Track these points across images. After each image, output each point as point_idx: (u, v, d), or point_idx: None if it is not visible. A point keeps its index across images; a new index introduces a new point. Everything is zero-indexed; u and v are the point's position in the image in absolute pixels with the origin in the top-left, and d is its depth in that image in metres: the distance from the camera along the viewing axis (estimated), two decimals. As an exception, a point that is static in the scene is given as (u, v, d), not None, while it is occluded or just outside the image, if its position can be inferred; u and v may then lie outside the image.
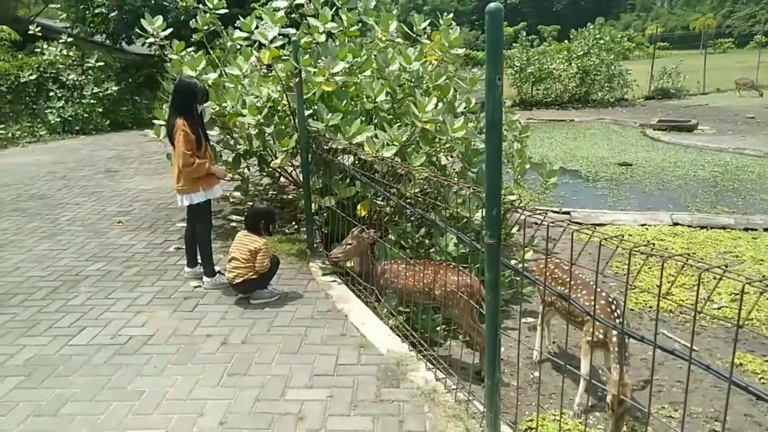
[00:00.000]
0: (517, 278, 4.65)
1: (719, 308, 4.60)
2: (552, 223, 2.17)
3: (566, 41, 22.83)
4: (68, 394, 3.01)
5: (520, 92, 21.11)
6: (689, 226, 6.58)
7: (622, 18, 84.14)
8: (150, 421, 2.79)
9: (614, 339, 2.93)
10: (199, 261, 4.67)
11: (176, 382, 3.12)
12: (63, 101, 14.31)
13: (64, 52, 14.89)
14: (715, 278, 5.03)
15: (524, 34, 22.88)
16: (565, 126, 16.15)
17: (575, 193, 8.65)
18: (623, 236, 2.24)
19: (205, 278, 4.54)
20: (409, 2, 69.75)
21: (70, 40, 15.15)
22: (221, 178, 4.68)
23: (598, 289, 3.36)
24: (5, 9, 18.43)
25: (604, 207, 7.79)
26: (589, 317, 2.99)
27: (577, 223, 6.84)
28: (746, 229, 6.41)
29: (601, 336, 3.07)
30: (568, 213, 7.14)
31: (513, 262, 4.76)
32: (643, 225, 6.71)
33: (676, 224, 6.68)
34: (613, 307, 3.16)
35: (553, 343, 4.15)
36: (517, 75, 20.83)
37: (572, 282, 3.44)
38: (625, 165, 10.41)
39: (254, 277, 4.17)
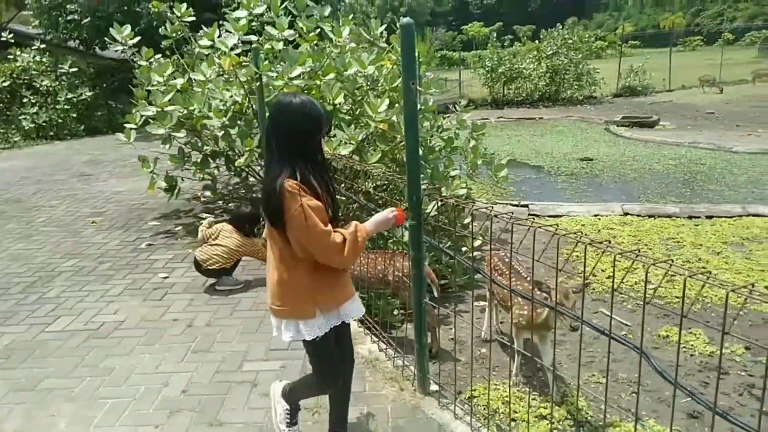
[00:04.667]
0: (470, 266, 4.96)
1: (655, 288, 4.99)
2: (497, 215, 2.45)
3: (537, 41, 23.39)
4: (45, 373, 3.30)
5: (492, 92, 21.58)
6: (638, 216, 6.98)
7: (595, 17, 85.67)
8: (120, 392, 3.10)
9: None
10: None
11: (144, 360, 3.42)
12: (37, 107, 14.44)
13: (38, 58, 15.00)
14: (637, 264, 5.44)
15: (495, 35, 23.44)
16: (534, 124, 16.62)
17: (537, 188, 9.05)
18: (557, 226, 2.50)
19: None
20: (386, 3, 70.19)
21: (43, 46, 15.25)
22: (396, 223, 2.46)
23: (529, 277, 3.72)
24: (-24, 16, 18.41)
25: (561, 200, 8.18)
26: (515, 303, 3.32)
27: (534, 215, 7.23)
28: (690, 217, 6.83)
29: (524, 318, 3.38)
30: (526, 206, 7.53)
31: (464, 249, 5.14)
32: (596, 215, 7.10)
33: (626, 214, 7.07)
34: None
35: (501, 323, 4.51)
36: (489, 75, 21.31)
37: (510, 273, 3.78)
38: (587, 160, 10.85)
39: (229, 266, 4.49)
